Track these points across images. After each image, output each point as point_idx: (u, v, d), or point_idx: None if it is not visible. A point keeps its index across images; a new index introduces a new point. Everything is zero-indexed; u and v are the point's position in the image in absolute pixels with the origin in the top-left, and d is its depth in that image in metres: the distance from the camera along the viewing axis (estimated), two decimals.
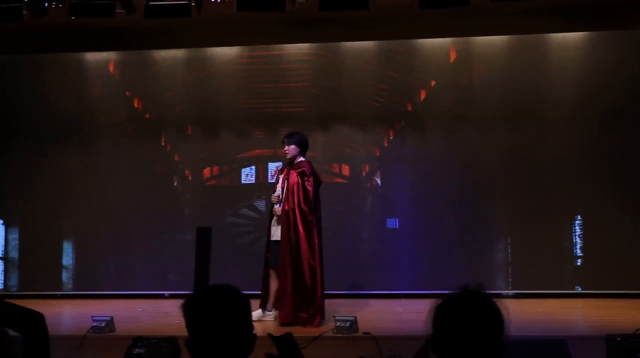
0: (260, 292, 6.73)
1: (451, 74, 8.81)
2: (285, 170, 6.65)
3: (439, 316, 2.01)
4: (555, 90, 8.58)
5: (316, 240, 6.47)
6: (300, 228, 6.37)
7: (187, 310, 2.10)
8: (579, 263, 8.51)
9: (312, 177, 6.50)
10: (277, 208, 6.52)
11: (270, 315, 6.57)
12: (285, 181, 6.54)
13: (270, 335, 2.79)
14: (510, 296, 8.23)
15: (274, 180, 7.40)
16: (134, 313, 7.40)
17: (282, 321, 6.29)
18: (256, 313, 6.39)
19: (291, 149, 6.57)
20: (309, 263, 6.39)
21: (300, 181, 6.45)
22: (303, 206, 6.40)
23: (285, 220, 6.41)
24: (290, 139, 6.61)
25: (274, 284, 6.57)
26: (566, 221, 8.54)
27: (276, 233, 6.55)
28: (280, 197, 6.52)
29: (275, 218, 6.61)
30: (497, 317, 1.99)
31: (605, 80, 8.47)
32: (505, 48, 8.73)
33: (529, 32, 8.57)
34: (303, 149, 6.63)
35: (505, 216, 8.62)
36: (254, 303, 6.43)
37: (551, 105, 8.56)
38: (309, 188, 6.44)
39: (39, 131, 9.16)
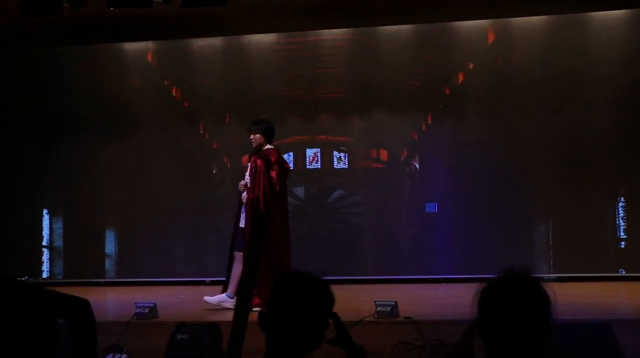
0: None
1: (489, 56, 8.70)
2: (253, 158, 6.56)
3: (486, 299, 2.00)
4: (596, 71, 8.40)
5: (278, 229, 6.36)
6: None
7: (277, 286, 2.12)
8: (622, 246, 8.38)
9: (277, 166, 6.47)
10: (244, 196, 6.44)
11: (231, 301, 6.25)
12: (253, 169, 6.48)
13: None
14: (552, 280, 8.12)
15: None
16: (176, 299, 7.48)
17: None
18: (217, 298, 6.30)
19: (257, 138, 6.49)
20: (272, 250, 6.21)
21: (264, 169, 6.42)
22: (267, 195, 6.36)
23: (250, 208, 6.34)
24: (256, 127, 6.54)
25: (237, 268, 6.33)
26: (609, 203, 8.41)
27: (243, 220, 6.43)
28: (248, 185, 6.46)
29: (243, 205, 6.49)
30: (544, 300, 1.98)
31: None
32: (544, 28, 8.58)
33: (568, 11, 8.39)
34: (269, 136, 6.55)
35: (546, 199, 8.51)
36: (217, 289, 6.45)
37: (592, 86, 8.39)
38: (273, 176, 6.41)
39: (79, 122, 9.29)
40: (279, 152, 6.64)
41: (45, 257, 9.49)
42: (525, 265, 2.04)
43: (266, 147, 6.54)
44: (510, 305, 1.95)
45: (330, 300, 2.13)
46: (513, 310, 1.95)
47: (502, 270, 2.04)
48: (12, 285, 2.00)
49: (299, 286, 2.11)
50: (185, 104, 9.36)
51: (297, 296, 2.08)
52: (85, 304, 2.33)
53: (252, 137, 6.55)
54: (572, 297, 6.73)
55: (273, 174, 6.41)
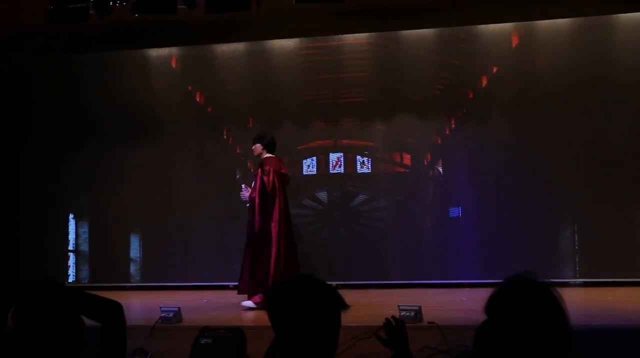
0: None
1: (513, 59, 8.65)
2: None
3: (491, 309, 1.94)
4: (622, 74, 8.30)
5: (274, 231, 6.89)
6: (258, 217, 6.92)
7: (277, 295, 2.11)
8: None
9: (272, 172, 6.92)
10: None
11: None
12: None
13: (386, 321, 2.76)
14: (578, 284, 8.05)
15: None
16: (200, 304, 7.52)
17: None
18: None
19: (257, 147, 7.08)
20: (265, 250, 6.87)
21: (261, 175, 6.96)
22: (257, 198, 6.90)
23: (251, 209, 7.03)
24: (257, 138, 7.10)
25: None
26: (636, 207, 8.29)
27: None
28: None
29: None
30: (553, 306, 1.90)
31: None
32: (569, 31, 8.50)
33: (594, 13, 8.30)
34: (269, 147, 7.06)
35: (572, 203, 8.42)
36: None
37: (619, 89, 8.28)
38: (265, 180, 6.91)
39: (105, 127, 9.38)
40: (279, 160, 7.13)
41: (71, 261, 9.58)
42: (531, 271, 1.96)
43: (265, 156, 7.05)
44: (516, 314, 1.88)
45: (335, 301, 2.09)
46: (518, 319, 1.87)
47: (505, 277, 1.96)
48: (49, 289, 2.03)
49: (298, 293, 2.07)
50: (209, 109, 9.42)
51: (297, 303, 2.04)
52: (117, 307, 2.36)
53: (252, 147, 7.12)
54: (598, 302, 6.66)
55: (265, 178, 6.93)
